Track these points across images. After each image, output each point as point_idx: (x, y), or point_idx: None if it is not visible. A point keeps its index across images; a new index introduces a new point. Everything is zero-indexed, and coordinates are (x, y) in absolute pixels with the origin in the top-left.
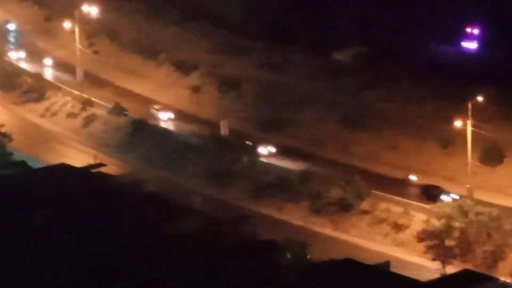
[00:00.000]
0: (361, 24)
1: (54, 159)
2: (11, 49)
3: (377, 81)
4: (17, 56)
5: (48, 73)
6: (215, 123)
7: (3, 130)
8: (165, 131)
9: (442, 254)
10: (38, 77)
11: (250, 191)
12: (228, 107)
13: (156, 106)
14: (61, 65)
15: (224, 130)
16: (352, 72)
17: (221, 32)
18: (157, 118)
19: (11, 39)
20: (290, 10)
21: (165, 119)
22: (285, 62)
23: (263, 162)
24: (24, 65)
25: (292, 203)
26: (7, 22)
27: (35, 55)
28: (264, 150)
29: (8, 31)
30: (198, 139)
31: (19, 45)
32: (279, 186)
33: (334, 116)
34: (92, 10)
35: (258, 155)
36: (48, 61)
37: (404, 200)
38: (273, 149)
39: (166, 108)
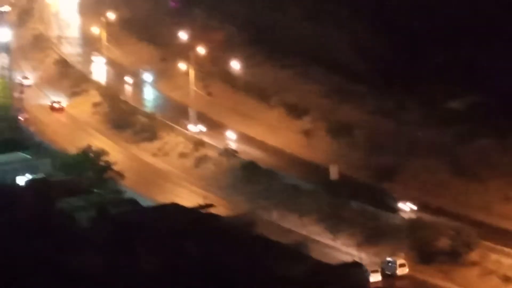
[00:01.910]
0: (474, 70)
1: (165, 198)
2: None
3: (490, 130)
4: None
5: (162, 113)
6: (324, 167)
7: (116, 168)
8: (275, 173)
9: None
10: (152, 116)
11: (358, 237)
12: (338, 152)
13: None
14: (175, 106)
15: (333, 175)
16: (465, 121)
17: (334, 77)
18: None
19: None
20: (404, 57)
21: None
22: (397, 109)
23: (371, 208)
24: (136, 104)
25: (401, 250)
26: (142, 72)
27: (149, 95)
28: (405, 206)
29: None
30: (308, 183)
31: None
32: (388, 232)
33: (445, 164)
34: (206, 52)
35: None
36: (162, 101)
37: None
38: (414, 207)
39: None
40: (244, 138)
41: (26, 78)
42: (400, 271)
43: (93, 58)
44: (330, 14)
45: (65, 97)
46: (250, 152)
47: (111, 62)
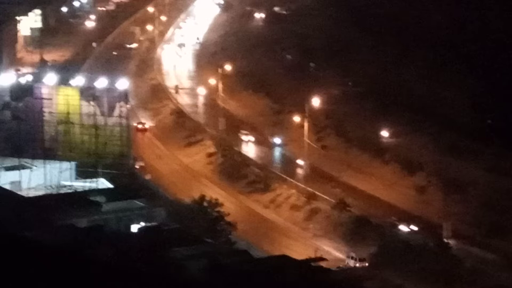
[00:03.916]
0: None
1: (276, 250)
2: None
3: None
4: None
5: (275, 165)
6: (437, 224)
7: (228, 218)
8: (387, 228)
9: None
10: (265, 168)
11: None
12: (452, 209)
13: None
14: (289, 158)
15: (447, 232)
16: None
17: (449, 133)
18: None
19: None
20: None
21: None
22: None
23: (484, 267)
24: (251, 155)
25: None
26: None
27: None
28: None
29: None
30: (419, 239)
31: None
32: None
33: None
34: (321, 105)
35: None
36: (275, 153)
37: None
38: None
39: (390, 208)
40: (357, 192)
41: (141, 123)
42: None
43: (209, 109)
44: (446, 71)
45: (179, 147)
46: (362, 207)
47: (226, 114)
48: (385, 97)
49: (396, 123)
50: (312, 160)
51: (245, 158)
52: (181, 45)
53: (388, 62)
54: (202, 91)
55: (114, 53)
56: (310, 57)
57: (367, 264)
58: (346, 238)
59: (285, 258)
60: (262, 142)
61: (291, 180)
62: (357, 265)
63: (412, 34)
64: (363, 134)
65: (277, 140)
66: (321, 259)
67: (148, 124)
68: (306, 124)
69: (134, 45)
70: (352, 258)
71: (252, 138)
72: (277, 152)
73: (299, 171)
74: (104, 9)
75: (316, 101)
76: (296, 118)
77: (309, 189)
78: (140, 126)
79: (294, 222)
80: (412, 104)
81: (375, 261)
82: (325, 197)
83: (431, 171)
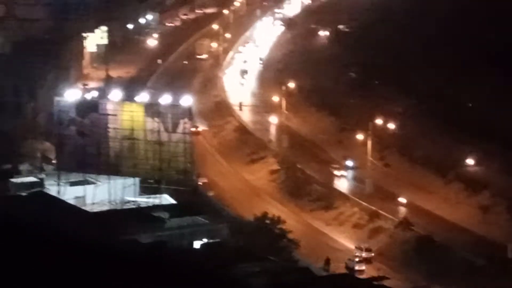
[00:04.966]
0: None
1: (338, 269)
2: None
3: None
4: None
5: (339, 183)
6: (501, 245)
7: (290, 236)
8: (451, 248)
9: None
10: (328, 186)
11: None
12: None
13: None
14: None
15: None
16: None
17: None
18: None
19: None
20: None
21: None
22: None
23: None
24: (313, 173)
25: None
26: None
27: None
28: None
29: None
30: (484, 260)
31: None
32: None
33: None
34: (384, 124)
35: None
36: (340, 172)
37: None
38: None
39: (454, 227)
40: (419, 211)
41: (195, 127)
42: (358, 267)
43: (272, 127)
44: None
45: (242, 163)
46: (425, 226)
47: (290, 131)
48: (449, 115)
49: (460, 141)
50: (375, 179)
51: (308, 176)
52: (244, 72)
53: (451, 79)
54: (265, 108)
55: (184, 62)
56: (374, 74)
57: (372, 255)
58: (408, 257)
59: (347, 277)
60: (326, 160)
61: (354, 198)
62: (363, 255)
63: (473, 50)
64: (427, 153)
65: (349, 162)
66: (384, 278)
67: (201, 128)
68: (369, 142)
69: (204, 56)
70: (359, 248)
71: (344, 173)
72: (341, 171)
73: (362, 189)
74: (172, 24)
75: (379, 119)
76: (359, 136)
77: (372, 207)
78: (193, 129)
79: (356, 240)
80: (476, 123)
81: (438, 280)
82: (388, 215)
83: (496, 191)
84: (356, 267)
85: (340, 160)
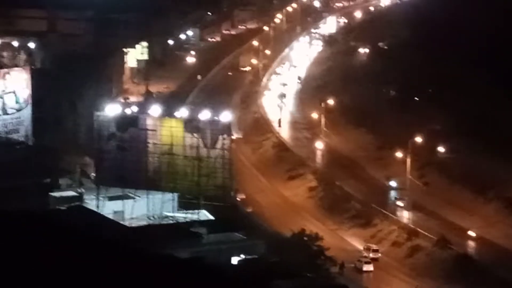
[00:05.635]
0: None
1: (376, 286)
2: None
3: None
4: None
5: (376, 200)
6: None
7: (328, 253)
8: (490, 267)
9: None
10: (366, 203)
11: None
12: None
13: None
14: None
15: None
16: None
17: None
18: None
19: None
20: None
21: None
22: None
23: None
24: (351, 190)
25: None
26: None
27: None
28: None
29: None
30: None
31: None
32: None
33: None
34: (424, 141)
35: None
36: (377, 189)
37: None
38: None
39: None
40: (458, 230)
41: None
42: (366, 268)
43: (311, 143)
44: None
45: (281, 180)
46: (464, 245)
47: (329, 148)
48: (490, 134)
49: (500, 160)
50: (414, 197)
51: (346, 193)
52: (282, 96)
53: (492, 98)
54: (304, 125)
55: (229, 73)
56: (413, 92)
57: (380, 255)
58: (447, 277)
59: None
60: (364, 178)
61: (393, 216)
62: (371, 255)
63: None
64: (466, 171)
65: (392, 183)
66: None
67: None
68: (408, 160)
69: (248, 68)
70: (367, 249)
71: (401, 204)
72: (377, 188)
73: (401, 207)
74: (213, 40)
75: (418, 137)
76: (398, 154)
77: (411, 225)
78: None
79: (394, 259)
80: None
81: None
82: (426, 234)
83: None
84: (364, 268)
85: (380, 179)
